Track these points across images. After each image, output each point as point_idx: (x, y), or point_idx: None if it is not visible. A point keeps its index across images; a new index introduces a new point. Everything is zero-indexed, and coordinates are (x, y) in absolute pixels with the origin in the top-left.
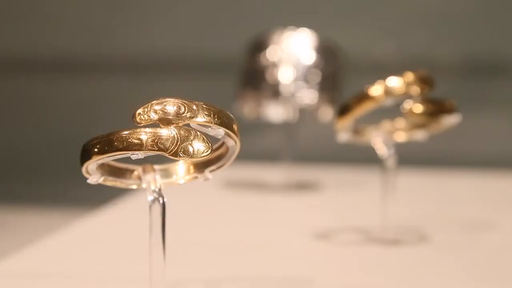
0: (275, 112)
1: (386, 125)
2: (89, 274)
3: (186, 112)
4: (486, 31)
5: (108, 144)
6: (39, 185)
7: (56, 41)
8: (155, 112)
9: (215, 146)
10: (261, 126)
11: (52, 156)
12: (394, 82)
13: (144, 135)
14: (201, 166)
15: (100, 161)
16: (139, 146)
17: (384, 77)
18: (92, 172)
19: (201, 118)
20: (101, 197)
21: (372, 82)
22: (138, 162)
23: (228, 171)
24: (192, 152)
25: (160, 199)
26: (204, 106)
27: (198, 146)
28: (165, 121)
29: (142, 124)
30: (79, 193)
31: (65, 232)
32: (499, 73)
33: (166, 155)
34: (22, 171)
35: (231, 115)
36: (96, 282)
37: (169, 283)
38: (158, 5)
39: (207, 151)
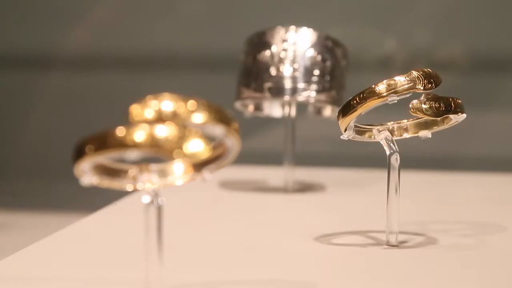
0: (275, 111)
1: (390, 123)
2: (86, 276)
3: (184, 110)
4: (492, 28)
5: (102, 143)
6: (39, 185)
7: (54, 37)
8: (152, 109)
9: (213, 145)
10: (261, 125)
11: (51, 156)
12: (399, 79)
13: (140, 133)
14: (199, 166)
15: (94, 161)
16: (135, 145)
17: (388, 75)
18: (86, 172)
19: (199, 116)
20: (100, 197)
21: (376, 79)
22: (134, 162)
23: (227, 170)
24: (189, 152)
25: (157, 200)
26: (203, 104)
27: (196, 145)
28: (162, 119)
29: (138, 122)
30: (78, 193)
31: (62, 233)
32: (505, 71)
33: (163, 154)
34: (22, 171)
35: (230, 113)
36: (95, 284)
37: (166, 286)
38: (158, 1)
39: (205, 151)
